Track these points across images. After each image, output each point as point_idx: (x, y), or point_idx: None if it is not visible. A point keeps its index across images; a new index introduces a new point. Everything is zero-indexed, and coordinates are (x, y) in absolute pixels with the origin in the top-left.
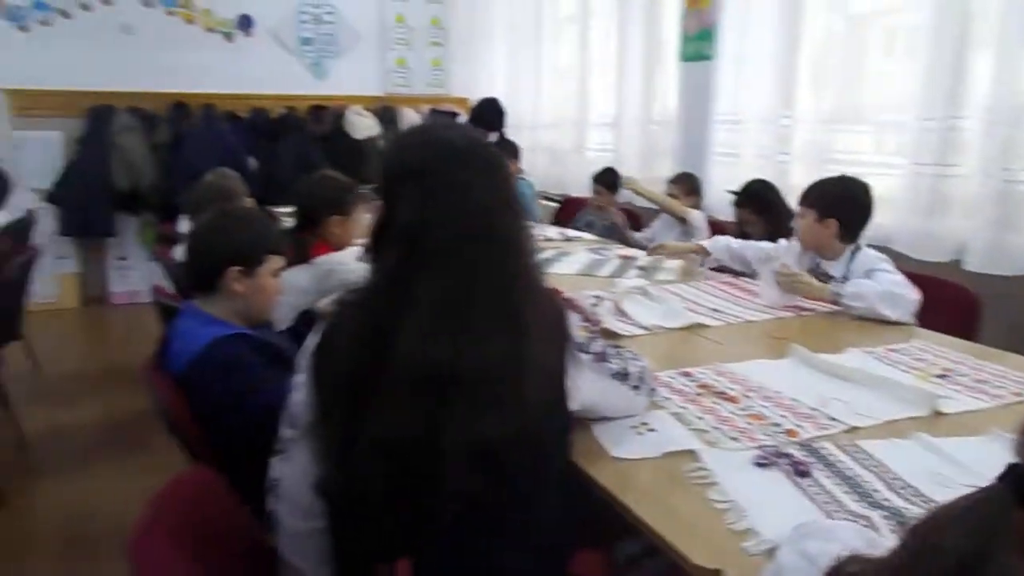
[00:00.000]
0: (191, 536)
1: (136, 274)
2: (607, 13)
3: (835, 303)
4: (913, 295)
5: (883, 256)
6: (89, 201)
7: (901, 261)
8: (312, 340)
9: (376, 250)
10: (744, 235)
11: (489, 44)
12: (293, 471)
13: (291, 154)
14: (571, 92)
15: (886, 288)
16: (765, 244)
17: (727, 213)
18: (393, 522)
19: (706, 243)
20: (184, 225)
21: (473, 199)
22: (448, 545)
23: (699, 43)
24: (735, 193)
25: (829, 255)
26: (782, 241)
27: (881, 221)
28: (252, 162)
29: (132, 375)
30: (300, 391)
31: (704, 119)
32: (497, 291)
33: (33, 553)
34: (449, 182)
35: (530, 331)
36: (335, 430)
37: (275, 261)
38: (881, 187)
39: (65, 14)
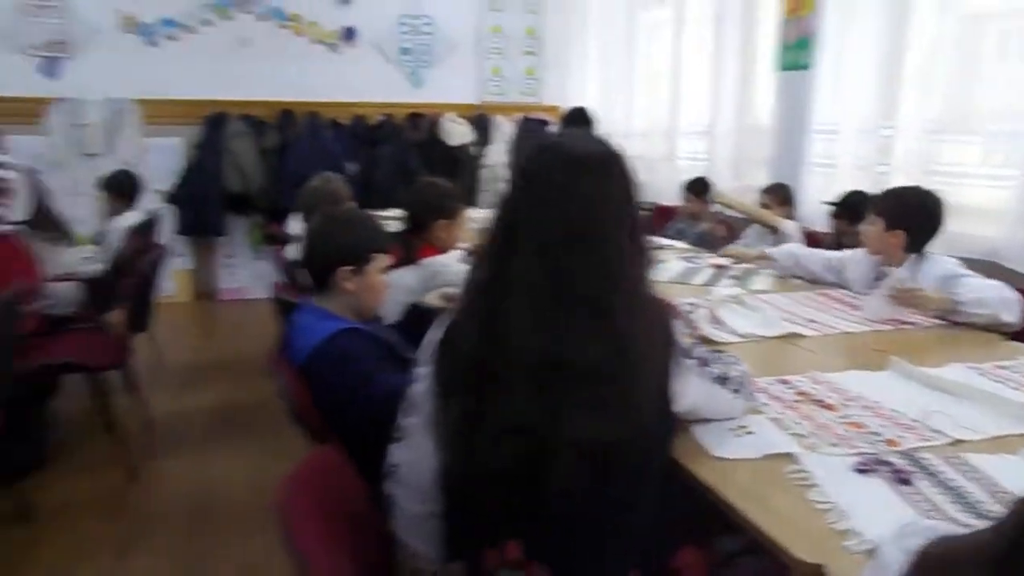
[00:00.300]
0: (323, 512)
1: (243, 272)
2: (702, 22)
3: (953, 314)
4: (1017, 296)
5: (956, 261)
6: (203, 202)
7: (1010, 277)
8: (435, 334)
9: (500, 247)
10: (840, 246)
11: (582, 53)
12: (412, 457)
13: (389, 160)
14: (663, 101)
15: (1001, 294)
16: (832, 253)
17: (822, 224)
18: (507, 506)
19: (771, 250)
20: (293, 226)
21: (577, 203)
22: (556, 531)
23: (797, 52)
24: (832, 204)
25: (892, 263)
26: (851, 250)
27: (987, 234)
28: (352, 167)
29: (242, 366)
30: (422, 381)
31: (800, 128)
32: (596, 293)
33: (162, 523)
34: (555, 187)
35: (636, 335)
36: (457, 417)
37: (382, 260)
38: (989, 200)
39: (190, 30)
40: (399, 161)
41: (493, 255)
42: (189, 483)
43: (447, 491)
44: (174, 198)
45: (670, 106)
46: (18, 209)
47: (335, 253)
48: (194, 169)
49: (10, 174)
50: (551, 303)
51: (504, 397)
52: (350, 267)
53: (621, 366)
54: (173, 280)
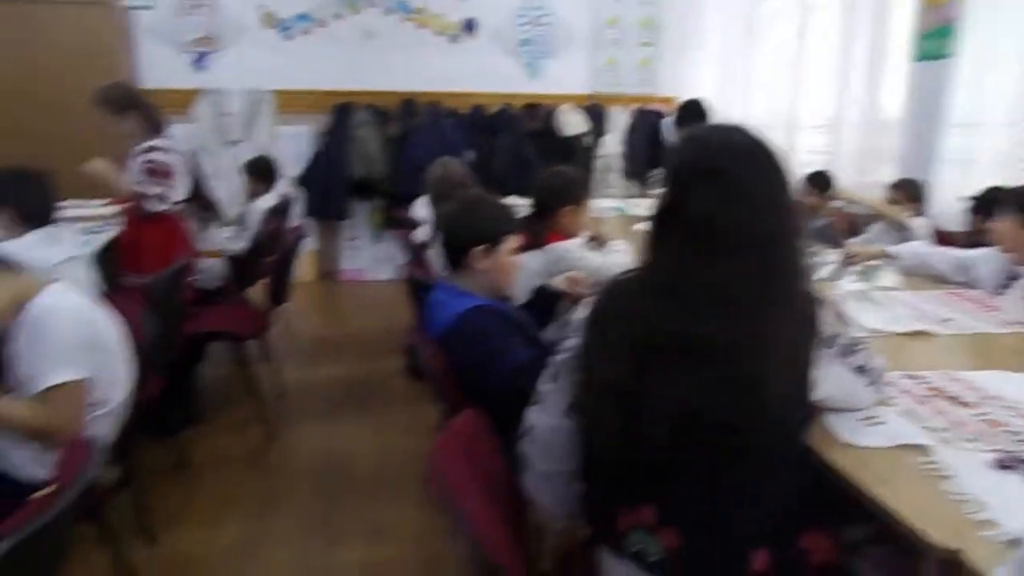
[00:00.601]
0: (475, 472)
1: (363, 254)
2: (829, 9)
3: None
4: None
5: None
6: (329, 187)
7: None
8: (584, 310)
9: (657, 234)
10: (975, 244)
11: (699, 43)
12: (547, 420)
13: (506, 149)
14: (783, 93)
15: None
16: (960, 251)
17: (955, 222)
18: (646, 472)
19: (894, 248)
20: (419, 210)
21: (757, 199)
22: (689, 499)
23: (937, 40)
24: (974, 199)
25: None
26: (981, 249)
27: None
28: (470, 155)
29: (363, 343)
30: (567, 353)
31: (934, 122)
32: (764, 281)
33: (297, 480)
34: (739, 182)
35: (789, 320)
36: (604, 388)
37: (512, 241)
38: None
39: (322, 24)
40: (515, 150)
41: (662, 241)
42: (319, 447)
43: (586, 454)
44: (303, 182)
45: (791, 98)
46: (178, 190)
47: (469, 234)
48: (322, 155)
49: (172, 157)
50: (723, 292)
51: (654, 375)
52: (483, 247)
53: (753, 349)
54: (299, 260)
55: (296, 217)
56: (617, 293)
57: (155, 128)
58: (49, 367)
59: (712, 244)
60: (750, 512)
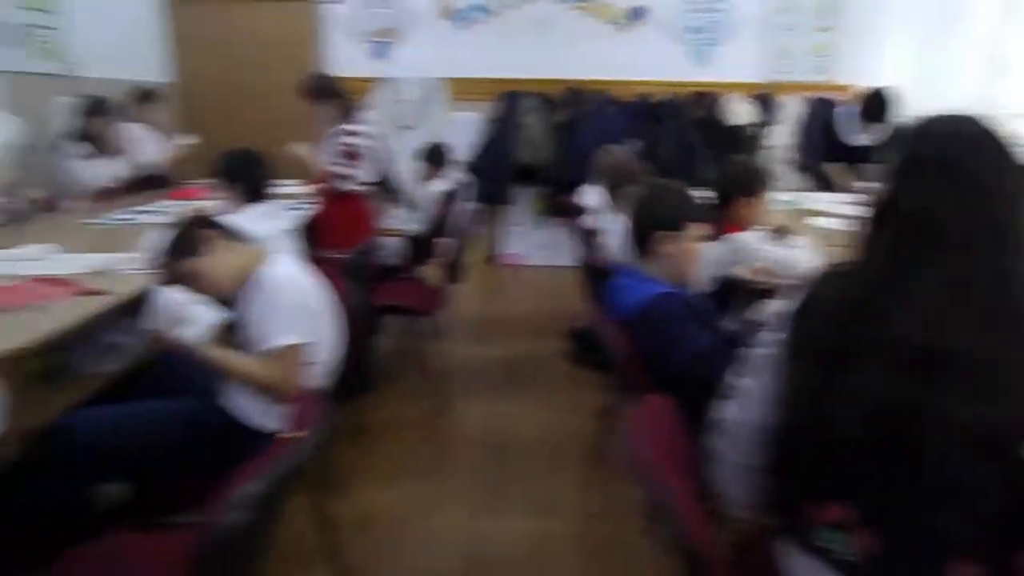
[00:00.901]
0: (667, 454)
1: (524, 239)
2: None
3: None
4: None
5: None
6: (496, 173)
7: None
8: (789, 304)
9: (874, 229)
10: None
11: (885, 27)
12: (741, 413)
13: (671, 138)
14: (981, 79)
15: None
16: None
17: None
18: (841, 469)
19: None
20: (587, 196)
21: (984, 193)
22: (896, 501)
23: None
24: None
25: None
26: None
27: None
28: (634, 144)
29: (524, 325)
30: (766, 347)
31: None
32: (998, 282)
33: (464, 451)
34: (971, 175)
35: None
36: (806, 383)
37: (697, 228)
38: None
39: (495, 14)
40: (680, 139)
41: (877, 236)
42: (484, 422)
43: (779, 448)
44: (472, 168)
45: (989, 86)
46: (367, 172)
47: (655, 219)
48: (490, 142)
49: (365, 141)
50: (954, 295)
51: (869, 373)
52: (668, 233)
53: (1008, 352)
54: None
55: (465, 201)
56: (824, 289)
57: (350, 114)
58: (277, 330)
59: (937, 241)
60: (962, 521)
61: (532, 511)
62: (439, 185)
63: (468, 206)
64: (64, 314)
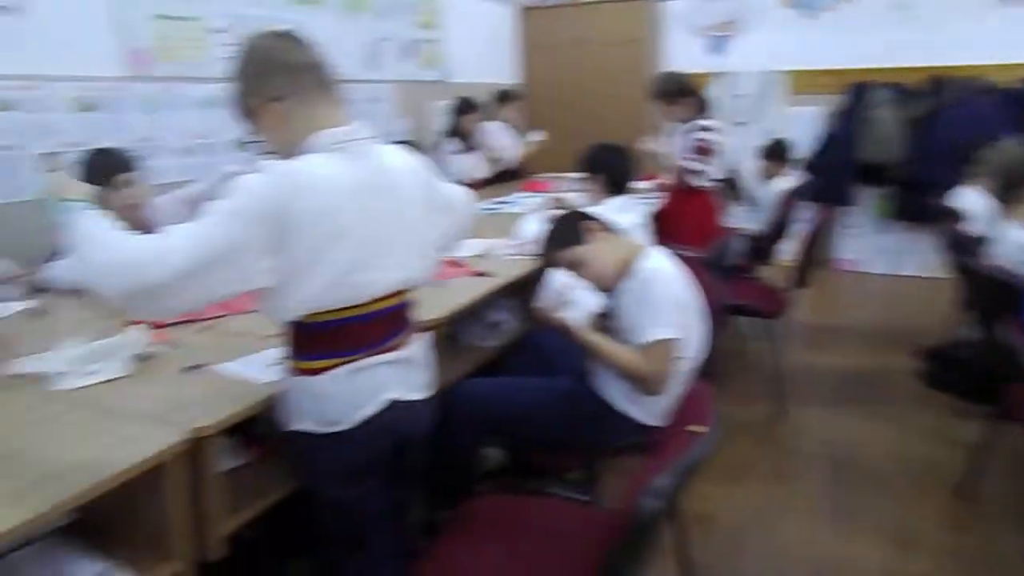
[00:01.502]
0: None
1: (860, 242)
2: None
3: None
4: None
5: None
6: (836, 171)
7: None
8: None
9: None
10: None
11: None
12: None
13: None
14: None
15: None
16: None
17: None
18: None
19: None
20: (963, 198)
21: None
22: None
23: None
24: None
25: None
26: None
27: None
28: (1020, 139)
29: (863, 336)
30: None
31: None
32: None
33: (805, 462)
34: None
35: None
36: None
37: None
38: None
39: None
40: None
41: None
42: (827, 434)
43: None
44: (809, 165)
45: None
46: (717, 168)
47: None
48: (831, 138)
49: (717, 137)
50: None
51: None
52: None
53: None
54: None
55: (803, 200)
56: None
57: (703, 110)
58: (651, 324)
59: None
60: None
61: (887, 541)
62: (782, 183)
63: (808, 206)
64: (460, 293)
